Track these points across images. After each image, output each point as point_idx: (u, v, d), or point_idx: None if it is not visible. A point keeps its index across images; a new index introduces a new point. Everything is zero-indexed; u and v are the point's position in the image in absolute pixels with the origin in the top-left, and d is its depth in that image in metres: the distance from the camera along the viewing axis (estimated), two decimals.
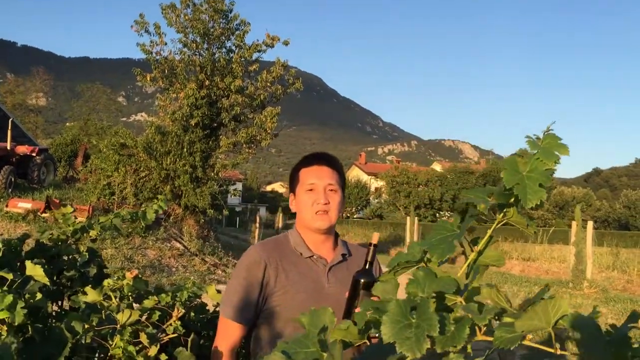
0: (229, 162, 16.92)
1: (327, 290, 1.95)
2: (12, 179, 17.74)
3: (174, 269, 12.68)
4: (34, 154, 19.67)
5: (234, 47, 16.86)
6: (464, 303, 0.79)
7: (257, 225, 27.75)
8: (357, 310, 1.73)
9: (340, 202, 2.03)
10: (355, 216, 49.50)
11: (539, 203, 0.78)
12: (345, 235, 29.05)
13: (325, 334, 0.77)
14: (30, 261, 1.86)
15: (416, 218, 25.69)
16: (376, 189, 52.82)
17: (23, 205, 13.48)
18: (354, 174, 61.41)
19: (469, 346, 0.73)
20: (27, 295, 1.77)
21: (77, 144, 28.63)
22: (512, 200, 0.84)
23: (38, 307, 1.83)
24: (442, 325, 0.71)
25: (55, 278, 2.71)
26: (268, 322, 1.95)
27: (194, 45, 16.44)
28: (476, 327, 0.75)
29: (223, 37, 16.63)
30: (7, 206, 13.49)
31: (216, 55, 16.63)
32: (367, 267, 1.82)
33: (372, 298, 1.70)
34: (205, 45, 16.55)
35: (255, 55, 16.89)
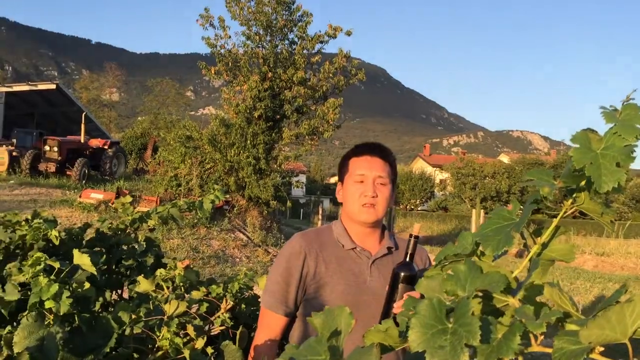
0: (291, 154, 16.97)
1: (368, 284, 1.87)
2: (86, 171, 18.52)
3: (237, 260, 12.84)
4: (106, 147, 20.46)
5: (296, 39, 16.85)
6: (517, 305, 0.64)
7: (320, 216, 27.80)
8: (395, 305, 1.64)
9: (390, 196, 1.94)
10: (419, 208, 48.83)
11: (616, 186, 0.62)
12: (408, 228, 28.68)
13: (337, 339, 0.64)
14: (77, 250, 1.84)
15: (482, 210, 25.02)
16: (441, 180, 51.90)
17: (95, 196, 14.01)
18: (418, 165, 60.57)
19: (520, 358, 0.59)
20: (74, 285, 1.76)
21: (146, 137, 29.52)
22: (584, 183, 0.70)
23: (86, 297, 1.81)
24: (487, 332, 0.57)
25: (114, 267, 2.73)
26: (308, 314, 1.88)
27: (257, 37, 16.52)
28: (531, 336, 0.60)
29: (285, 29, 16.62)
30: (80, 197, 14.06)
31: (279, 47, 16.66)
32: (407, 259, 1.74)
33: (411, 293, 1.59)
34: (268, 38, 16.60)
35: (317, 47, 16.83)
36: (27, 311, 1.64)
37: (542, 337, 0.59)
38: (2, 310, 1.74)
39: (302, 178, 38.99)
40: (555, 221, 0.72)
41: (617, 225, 23.66)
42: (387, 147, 2.04)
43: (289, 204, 17.43)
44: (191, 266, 2.29)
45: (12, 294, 1.72)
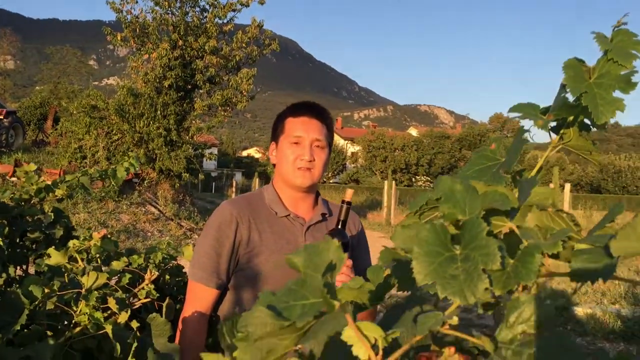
0: (204, 125, 16.53)
1: None
2: None
3: (149, 234, 12.43)
4: (1, 117, 19.07)
5: (207, 6, 16.27)
6: (515, 229, 0.56)
7: (233, 190, 27.51)
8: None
9: (326, 160, 1.86)
10: (331, 181, 49.44)
11: (614, 116, 0.57)
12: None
13: (331, 275, 0.53)
14: None
15: (393, 182, 25.65)
16: (352, 153, 52.76)
17: None
18: None
19: (533, 288, 0.51)
20: None
21: (46, 107, 27.79)
22: (571, 119, 0.64)
23: None
24: (501, 256, 0.48)
25: (18, 240, 2.51)
26: (241, 285, 1.78)
27: (166, 3, 15.81)
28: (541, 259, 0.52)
29: None
30: None
31: (189, 15, 16.05)
32: (339, 226, 1.70)
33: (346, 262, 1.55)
34: (178, 4, 15.93)
35: (229, 15, 16.35)
36: None
37: (550, 260, 0.53)
38: None
39: (214, 151, 38.33)
40: (540, 161, 0.66)
41: None
42: (326, 109, 1.95)
43: (201, 176, 17.04)
44: (108, 236, 2.12)
45: None
